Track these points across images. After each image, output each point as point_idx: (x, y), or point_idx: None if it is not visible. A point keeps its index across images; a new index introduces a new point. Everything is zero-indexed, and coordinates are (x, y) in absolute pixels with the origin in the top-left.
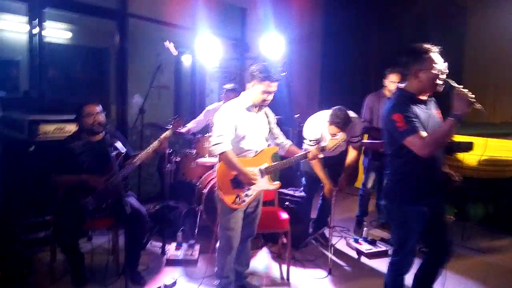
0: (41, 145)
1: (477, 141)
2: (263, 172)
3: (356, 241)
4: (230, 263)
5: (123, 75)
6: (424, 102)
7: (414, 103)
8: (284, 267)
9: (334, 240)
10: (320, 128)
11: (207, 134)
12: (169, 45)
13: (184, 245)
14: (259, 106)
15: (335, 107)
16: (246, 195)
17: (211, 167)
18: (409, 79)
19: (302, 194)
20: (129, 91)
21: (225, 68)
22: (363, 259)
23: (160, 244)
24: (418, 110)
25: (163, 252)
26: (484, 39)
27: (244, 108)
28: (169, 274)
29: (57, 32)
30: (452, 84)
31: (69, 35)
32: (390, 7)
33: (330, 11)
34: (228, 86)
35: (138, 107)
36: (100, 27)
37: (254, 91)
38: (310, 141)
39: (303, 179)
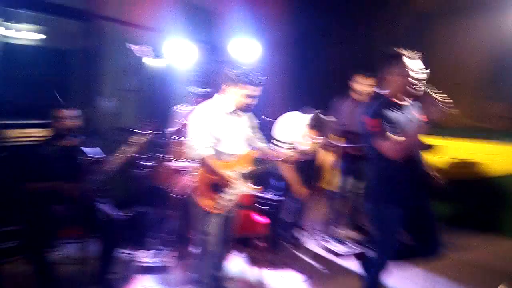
0: (7, 151)
1: (441, 143)
2: (243, 176)
3: (330, 242)
4: (208, 268)
5: (92, 77)
6: (402, 107)
7: (391, 107)
8: (260, 270)
9: (308, 242)
10: (296, 131)
11: (181, 138)
12: (139, 48)
13: (158, 252)
14: (242, 110)
15: (314, 112)
16: (225, 199)
17: (184, 171)
18: (385, 83)
19: (277, 197)
20: (99, 94)
21: (196, 71)
22: (337, 260)
23: (133, 251)
24: (396, 114)
25: (137, 259)
26: (450, 48)
27: (226, 111)
28: (144, 282)
29: (22, 33)
30: (425, 89)
31: (34, 36)
32: (357, 14)
33: (299, 17)
34: (199, 90)
35: (109, 111)
36: (67, 28)
37: (236, 94)
38: (285, 143)
39: (281, 182)
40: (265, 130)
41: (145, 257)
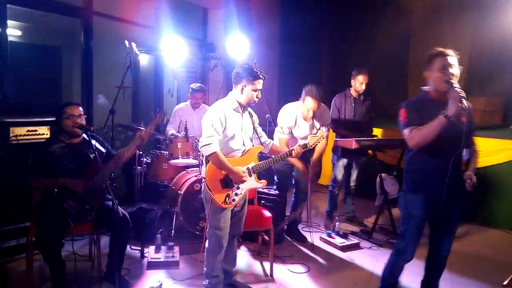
0: (13, 148)
1: None
2: (251, 171)
3: (329, 235)
4: (220, 262)
5: (88, 74)
6: (442, 104)
7: (430, 104)
8: (265, 264)
9: (308, 235)
10: (293, 114)
11: (180, 135)
12: (131, 45)
13: (163, 247)
14: (247, 105)
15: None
16: (236, 194)
17: (184, 168)
18: (427, 80)
19: (277, 192)
20: (94, 91)
21: (189, 68)
22: (338, 252)
23: (139, 247)
24: (434, 111)
25: (143, 255)
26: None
27: (231, 108)
28: (152, 277)
29: (17, 30)
30: (453, 84)
31: (29, 33)
32: (341, 17)
33: (286, 15)
34: (195, 85)
35: (104, 108)
36: (61, 25)
37: (244, 91)
38: (285, 128)
39: (275, 177)
40: (268, 126)
41: (151, 252)
